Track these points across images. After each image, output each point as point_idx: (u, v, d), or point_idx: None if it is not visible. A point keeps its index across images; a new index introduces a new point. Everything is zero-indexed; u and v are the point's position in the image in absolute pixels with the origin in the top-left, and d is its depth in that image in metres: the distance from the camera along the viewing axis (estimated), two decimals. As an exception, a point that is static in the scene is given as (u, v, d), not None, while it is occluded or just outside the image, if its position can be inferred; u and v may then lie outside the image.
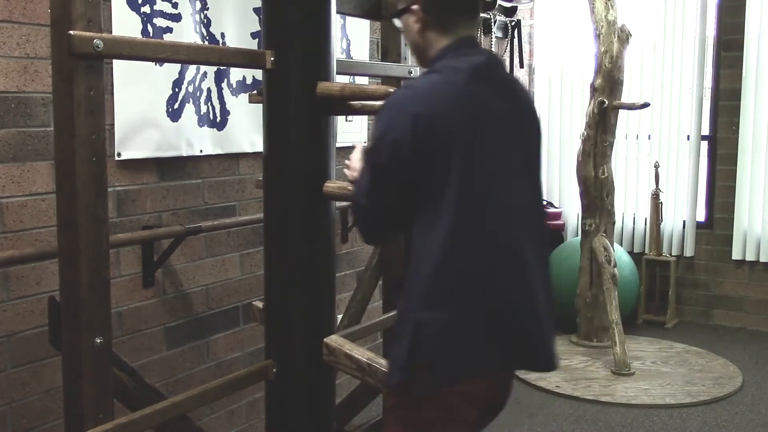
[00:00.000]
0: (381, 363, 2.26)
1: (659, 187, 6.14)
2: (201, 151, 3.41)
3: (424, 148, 1.92)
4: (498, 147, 2.01)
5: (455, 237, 1.93)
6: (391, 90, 2.28)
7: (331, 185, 2.40)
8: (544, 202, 1.97)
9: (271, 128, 2.41)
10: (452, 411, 2.02)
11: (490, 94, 2.02)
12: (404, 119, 1.93)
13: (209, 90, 3.43)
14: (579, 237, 5.71)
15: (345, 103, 2.42)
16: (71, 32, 1.83)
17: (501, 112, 2.03)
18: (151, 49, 2.08)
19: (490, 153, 1.99)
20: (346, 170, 2.35)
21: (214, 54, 2.41)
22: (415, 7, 2.06)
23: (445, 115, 1.94)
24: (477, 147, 1.96)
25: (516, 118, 2.09)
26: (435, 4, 2.06)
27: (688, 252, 6.28)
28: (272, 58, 2.32)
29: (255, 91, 2.75)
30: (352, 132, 4.40)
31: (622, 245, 6.32)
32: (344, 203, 4.07)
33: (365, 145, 2.27)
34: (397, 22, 2.19)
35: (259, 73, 3.48)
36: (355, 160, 2.30)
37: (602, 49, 5.36)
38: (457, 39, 2.07)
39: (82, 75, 1.86)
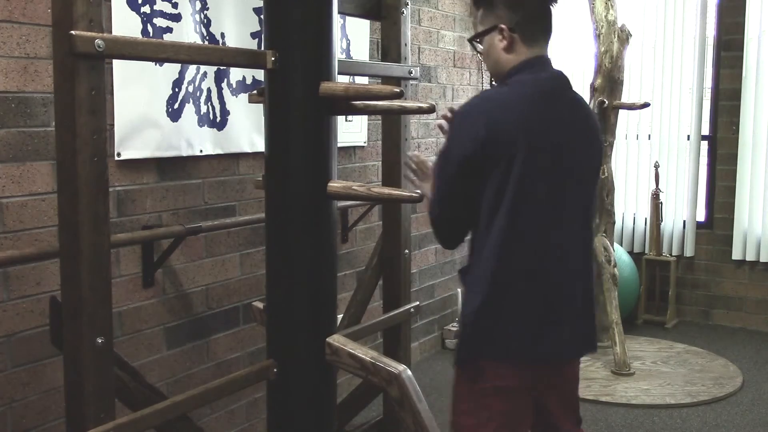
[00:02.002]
0: (384, 362, 2.27)
1: (659, 187, 6.14)
2: (201, 151, 3.41)
3: (488, 154, 2.15)
4: (555, 162, 2.22)
5: (507, 242, 2.18)
6: (397, 90, 2.30)
7: (336, 185, 2.40)
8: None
9: (273, 128, 2.41)
10: (503, 397, 2.26)
11: (553, 110, 2.25)
12: (476, 127, 2.15)
13: (209, 90, 3.43)
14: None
15: (348, 103, 2.41)
16: (73, 32, 1.83)
17: (563, 128, 2.26)
18: (152, 50, 2.08)
19: (546, 167, 2.21)
20: (410, 174, 2.53)
21: (216, 54, 2.41)
22: (502, 26, 2.29)
23: (510, 125, 2.16)
24: (534, 160, 2.18)
25: (576, 135, 2.30)
26: (521, 23, 2.30)
27: (688, 252, 6.28)
28: (273, 58, 2.32)
29: (255, 91, 2.75)
30: (352, 132, 4.40)
31: (622, 245, 6.32)
32: (344, 203, 4.09)
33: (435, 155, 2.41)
34: (478, 46, 2.41)
35: (259, 73, 3.49)
36: (424, 168, 2.46)
37: (602, 49, 5.36)
38: (532, 57, 2.31)
39: (83, 75, 1.86)
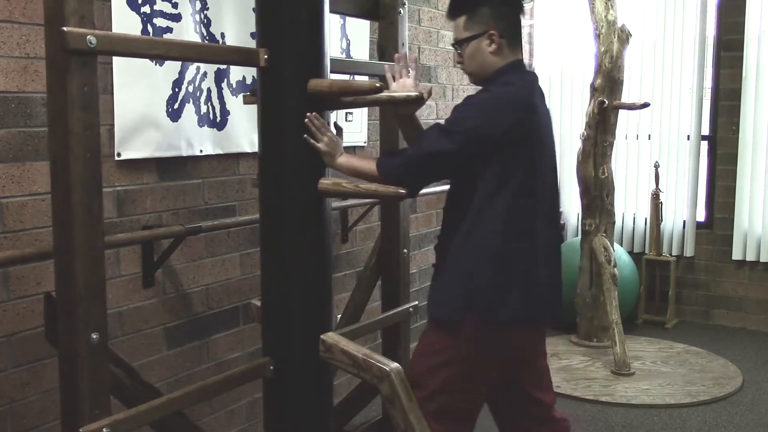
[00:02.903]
0: (376, 359, 2.27)
1: (659, 187, 6.14)
2: (201, 151, 3.42)
3: (506, 140, 2.48)
4: (543, 144, 2.62)
5: (514, 210, 2.50)
6: (378, 85, 2.37)
7: (326, 182, 2.42)
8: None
9: (266, 126, 2.42)
10: (486, 350, 2.55)
11: (539, 102, 2.64)
12: (505, 113, 2.50)
13: (209, 90, 3.44)
14: (579, 237, 5.72)
15: (338, 99, 2.44)
16: (64, 28, 1.84)
17: (545, 116, 2.67)
18: (144, 46, 2.09)
19: (542, 147, 2.60)
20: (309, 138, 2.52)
21: (208, 52, 2.43)
22: (493, 32, 2.58)
23: (524, 115, 2.54)
24: (537, 142, 2.57)
25: (549, 123, 2.72)
26: (508, 30, 2.62)
27: (688, 252, 6.28)
28: (266, 56, 2.33)
29: (249, 92, 2.76)
30: (352, 132, 4.41)
31: (622, 245, 6.32)
32: (345, 203, 4.10)
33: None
34: (467, 49, 2.65)
35: (258, 74, 3.50)
36: (324, 129, 2.53)
37: (602, 49, 5.37)
38: (515, 60, 2.65)
39: (75, 71, 1.87)
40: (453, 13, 2.67)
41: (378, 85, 2.36)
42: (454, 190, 2.66)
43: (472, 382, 2.60)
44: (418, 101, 2.57)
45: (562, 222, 6.53)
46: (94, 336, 1.97)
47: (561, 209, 2.83)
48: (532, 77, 2.72)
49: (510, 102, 2.53)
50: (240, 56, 2.43)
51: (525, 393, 2.75)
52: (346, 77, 3.82)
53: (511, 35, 2.63)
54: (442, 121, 2.55)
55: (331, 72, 2.53)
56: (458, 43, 2.68)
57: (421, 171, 2.53)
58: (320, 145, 2.45)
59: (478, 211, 2.50)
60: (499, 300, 2.51)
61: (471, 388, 2.61)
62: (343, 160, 2.54)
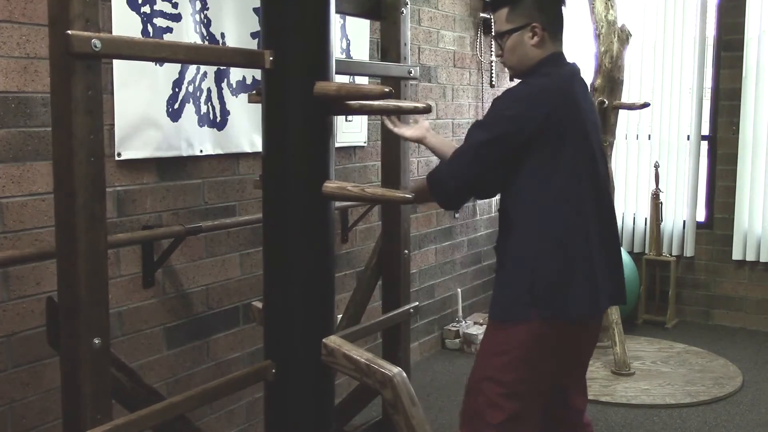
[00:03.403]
0: (379, 364, 2.26)
1: (659, 187, 6.14)
2: (201, 151, 3.41)
3: (546, 129, 2.47)
4: (587, 134, 2.59)
5: (564, 201, 2.51)
6: (387, 90, 2.30)
7: (331, 185, 2.40)
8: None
9: (270, 128, 2.41)
10: (547, 349, 2.54)
11: (580, 93, 2.62)
12: (541, 106, 2.49)
13: (209, 90, 3.43)
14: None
15: (344, 104, 2.41)
16: (69, 32, 1.82)
17: (587, 108, 2.64)
18: (149, 49, 2.08)
19: (585, 139, 2.58)
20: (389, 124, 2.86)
21: (213, 54, 2.41)
22: (536, 24, 2.57)
23: (563, 107, 2.52)
24: (578, 134, 2.55)
25: (593, 113, 2.70)
26: (550, 22, 2.61)
27: (688, 252, 6.28)
28: (271, 58, 2.32)
29: (254, 91, 2.74)
30: (352, 132, 4.40)
31: (622, 245, 6.31)
32: (345, 203, 4.09)
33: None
34: (507, 42, 2.65)
35: (259, 73, 3.48)
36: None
37: (602, 49, 5.35)
38: (556, 51, 2.64)
39: (80, 75, 1.85)
40: (495, 5, 2.67)
41: (387, 90, 2.31)
42: (504, 190, 2.64)
43: (542, 383, 2.58)
44: (426, 111, 2.52)
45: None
46: (96, 341, 1.96)
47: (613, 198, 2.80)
48: (572, 68, 2.67)
49: (547, 92, 2.52)
50: (245, 58, 2.41)
51: (564, 397, 2.72)
52: (346, 79, 3.82)
53: (553, 27, 2.62)
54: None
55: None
56: (500, 36, 2.67)
57: (466, 169, 2.54)
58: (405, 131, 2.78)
59: (529, 204, 2.52)
60: (564, 293, 2.49)
61: (542, 389, 2.59)
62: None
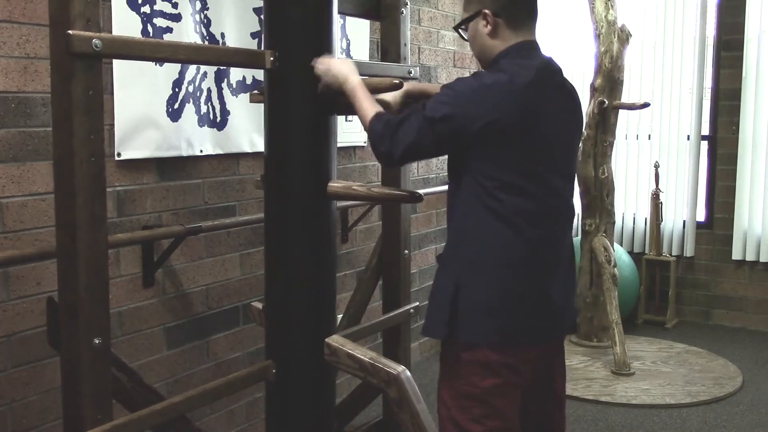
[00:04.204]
0: (383, 362, 2.26)
1: (659, 187, 6.13)
2: (201, 151, 3.41)
3: (485, 135, 2.16)
4: (549, 145, 2.26)
5: (508, 216, 2.20)
6: (396, 81, 2.27)
7: (336, 185, 2.39)
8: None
9: (273, 128, 2.40)
10: (485, 371, 2.30)
11: (549, 92, 2.28)
12: (500, 98, 2.17)
13: (209, 90, 3.43)
14: (579, 237, 5.71)
15: (346, 102, 2.40)
16: (70, 32, 1.82)
17: (557, 111, 2.30)
18: (150, 49, 2.08)
19: (545, 149, 2.25)
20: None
21: (214, 54, 2.41)
22: (486, 11, 2.29)
23: (511, 108, 2.17)
24: (536, 139, 2.22)
25: (570, 117, 2.37)
26: (503, 7, 2.30)
27: (688, 252, 6.28)
28: (272, 58, 2.32)
29: (256, 90, 2.74)
30: (352, 132, 4.40)
31: (622, 245, 6.32)
32: (344, 203, 4.09)
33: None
34: (465, 34, 2.41)
35: (259, 73, 3.49)
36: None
37: (602, 49, 5.36)
38: (519, 42, 2.31)
39: (80, 75, 1.85)
40: None
41: (396, 81, 2.27)
42: (448, 191, 2.40)
43: (507, 417, 2.33)
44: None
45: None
46: (96, 341, 1.96)
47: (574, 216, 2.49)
48: (540, 63, 2.32)
49: (496, 91, 2.18)
50: (245, 58, 2.41)
51: (546, 413, 2.52)
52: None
53: (512, 14, 2.31)
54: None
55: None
56: (458, 27, 2.44)
57: (397, 145, 2.22)
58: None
59: (464, 216, 2.26)
60: (494, 320, 2.25)
61: (509, 426, 2.34)
62: (352, 86, 2.32)
